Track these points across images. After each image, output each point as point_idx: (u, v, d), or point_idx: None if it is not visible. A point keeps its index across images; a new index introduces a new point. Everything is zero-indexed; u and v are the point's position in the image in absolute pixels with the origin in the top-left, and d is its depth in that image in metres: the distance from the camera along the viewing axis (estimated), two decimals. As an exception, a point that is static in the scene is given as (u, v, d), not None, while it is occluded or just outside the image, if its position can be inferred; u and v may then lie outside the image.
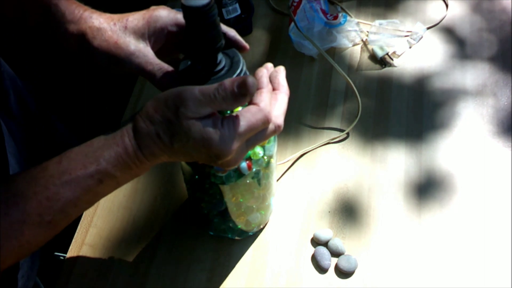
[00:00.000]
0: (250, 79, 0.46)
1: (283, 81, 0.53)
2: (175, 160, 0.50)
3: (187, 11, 0.47)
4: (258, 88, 0.50)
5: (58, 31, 0.55)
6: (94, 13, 0.56)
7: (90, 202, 0.49)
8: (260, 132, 0.49)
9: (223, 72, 0.52)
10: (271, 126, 0.50)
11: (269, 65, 0.55)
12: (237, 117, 0.47)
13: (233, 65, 0.52)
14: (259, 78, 0.52)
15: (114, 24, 0.54)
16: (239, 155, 0.49)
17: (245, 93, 0.46)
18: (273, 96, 0.52)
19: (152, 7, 0.56)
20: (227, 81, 0.46)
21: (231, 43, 0.55)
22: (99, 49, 0.54)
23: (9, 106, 0.71)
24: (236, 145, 0.47)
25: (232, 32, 0.56)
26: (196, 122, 0.46)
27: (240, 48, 0.56)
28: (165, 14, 0.55)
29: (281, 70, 0.54)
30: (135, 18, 0.55)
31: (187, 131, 0.45)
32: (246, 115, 0.47)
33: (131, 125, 0.48)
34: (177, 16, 0.55)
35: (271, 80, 0.53)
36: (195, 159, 0.49)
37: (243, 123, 0.47)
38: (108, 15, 0.56)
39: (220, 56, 0.52)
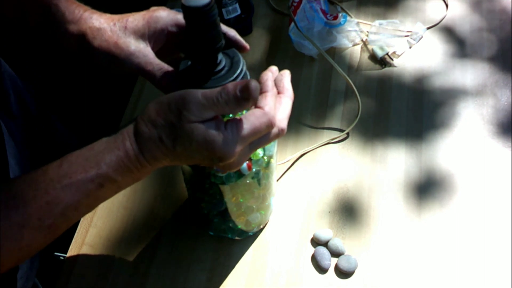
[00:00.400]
0: (253, 83, 0.46)
1: (288, 84, 0.53)
2: (177, 164, 0.50)
3: (187, 11, 0.47)
4: (263, 91, 0.50)
5: (58, 31, 0.55)
6: (94, 14, 0.56)
7: (91, 206, 0.49)
8: (264, 136, 0.49)
9: (223, 72, 0.52)
10: (274, 130, 0.50)
11: (274, 68, 0.55)
12: (241, 120, 0.47)
13: (233, 65, 0.52)
14: (264, 81, 0.51)
15: (114, 24, 0.55)
16: (241, 158, 0.49)
17: (247, 97, 0.46)
18: (277, 100, 0.52)
19: (152, 8, 0.56)
20: (230, 85, 0.46)
21: (231, 43, 0.55)
22: (100, 49, 0.54)
23: (9, 106, 0.71)
24: (239, 148, 0.47)
25: (232, 32, 0.56)
26: (199, 125, 0.45)
27: (241, 48, 0.56)
28: (165, 15, 0.55)
29: (287, 74, 0.54)
30: (135, 19, 0.55)
31: (190, 134, 0.45)
32: (250, 119, 0.47)
33: (132, 128, 0.47)
34: (177, 17, 0.55)
35: (276, 84, 0.53)
36: (197, 162, 0.48)
37: (247, 127, 0.47)
38: (108, 15, 0.56)
39: (220, 56, 0.52)
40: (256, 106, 0.49)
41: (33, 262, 0.73)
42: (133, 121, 0.48)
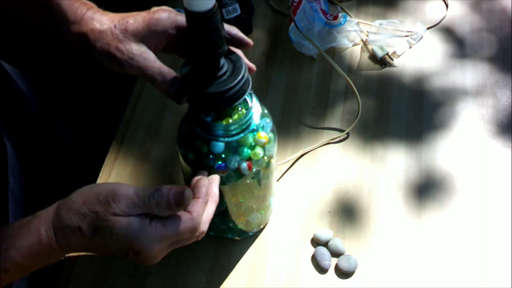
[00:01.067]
0: (187, 192, 0.47)
1: (216, 190, 0.55)
2: (89, 253, 0.51)
3: (190, 16, 0.47)
4: (196, 196, 0.52)
5: (59, 31, 0.55)
6: (96, 13, 0.55)
7: None
8: (185, 238, 0.51)
9: (225, 77, 0.52)
10: (196, 233, 0.51)
11: (206, 173, 0.56)
12: (167, 220, 0.48)
13: (235, 70, 0.52)
14: (200, 187, 0.53)
15: (115, 26, 0.53)
16: (159, 255, 0.50)
17: (179, 204, 0.47)
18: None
19: (153, 9, 0.55)
20: (165, 188, 0.47)
21: (235, 41, 0.55)
22: (101, 51, 0.53)
23: (12, 109, 0.71)
24: (158, 247, 0.48)
25: (234, 30, 0.56)
26: (123, 218, 0.46)
27: (244, 44, 0.56)
28: (165, 17, 0.54)
29: (216, 180, 0.55)
30: (136, 21, 0.54)
31: (112, 227, 0.46)
32: (177, 221, 0.49)
33: (51, 214, 0.48)
34: (178, 18, 0.55)
35: None
36: (112, 254, 0.49)
37: (172, 228, 0.48)
38: (110, 15, 0.55)
39: (222, 61, 0.52)
40: (186, 210, 0.50)
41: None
42: (54, 206, 0.48)
